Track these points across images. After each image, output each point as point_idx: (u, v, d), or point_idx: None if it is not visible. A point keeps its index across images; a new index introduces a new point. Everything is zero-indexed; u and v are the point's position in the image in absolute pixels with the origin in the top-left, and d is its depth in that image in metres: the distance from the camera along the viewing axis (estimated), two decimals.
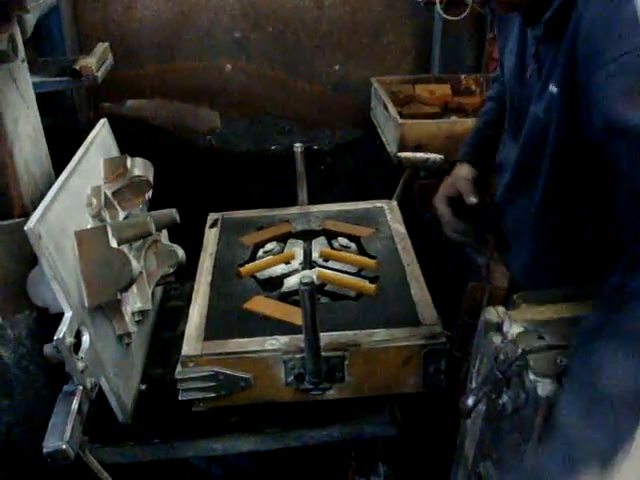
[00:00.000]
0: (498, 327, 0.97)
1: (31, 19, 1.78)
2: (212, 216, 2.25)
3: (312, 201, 2.25)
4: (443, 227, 1.72)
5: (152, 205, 1.88)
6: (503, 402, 0.95)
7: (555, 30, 1.29)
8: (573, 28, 1.20)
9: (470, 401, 0.93)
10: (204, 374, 1.57)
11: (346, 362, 1.57)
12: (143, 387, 1.74)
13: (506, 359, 0.89)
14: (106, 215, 1.69)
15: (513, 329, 0.94)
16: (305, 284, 1.40)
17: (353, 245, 2.05)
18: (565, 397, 0.88)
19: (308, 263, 1.95)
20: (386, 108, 3.04)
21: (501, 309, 0.99)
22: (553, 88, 1.32)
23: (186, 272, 1.94)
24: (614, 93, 1.06)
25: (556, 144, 1.35)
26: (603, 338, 0.90)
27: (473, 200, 1.65)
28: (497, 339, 0.95)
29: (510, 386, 0.93)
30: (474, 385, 1.02)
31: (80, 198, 1.61)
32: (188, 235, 2.02)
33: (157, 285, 1.84)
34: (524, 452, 0.91)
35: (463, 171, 1.76)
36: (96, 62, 2.58)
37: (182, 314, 1.91)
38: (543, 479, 0.83)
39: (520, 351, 0.88)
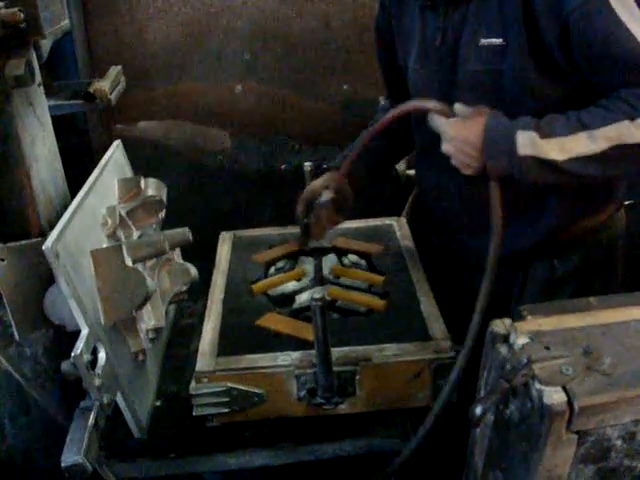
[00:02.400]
0: (505, 339, 1.00)
1: (47, 44, 1.83)
2: (224, 235, 2.28)
3: None
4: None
5: (165, 224, 1.91)
6: (510, 411, 0.97)
7: None
8: None
9: (478, 410, 0.95)
10: (218, 390, 1.59)
11: (357, 377, 1.59)
12: (158, 403, 1.77)
13: (512, 369, 0.92)
14: (121, 234, 1.72)
15: (519, 340, 0.97)
16: (316, 300, 1.43)
17: (363, 262, 2.07)
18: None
19: (319, 280, 1.97)
20: None
21: (507, 321, 1.01)
22: (492, 41, 1.54)
23: (199, 290, 1.97)
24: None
25: (515, 77, 1.54)
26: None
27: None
28: (504, 350, 0.97)
29: (517, 396, 0.95)
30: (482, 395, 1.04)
31: (95, 218, 1.65)
32: (201, 253, 2.05)
33: (170, 303, 1.86)
34: (531, 461, 0.93)
35: (320, 180, 1.96)
36: (109, 85, 2.62)
37: (195, 332, 1.94)
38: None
39: (525, 361, 0.91)
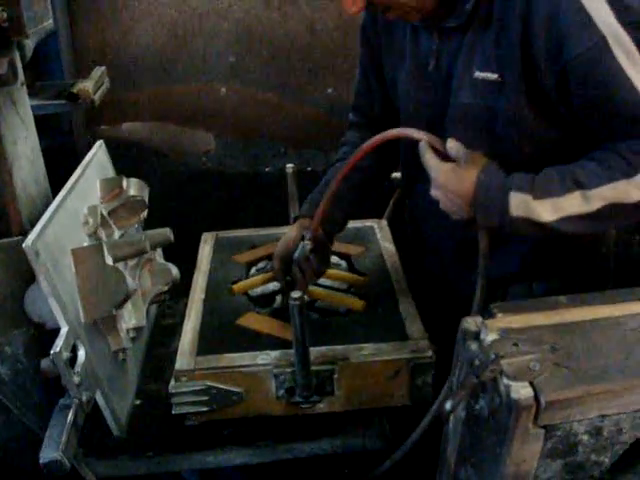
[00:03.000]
0: (476, 336, 1.02)
1: (30, 44, 1.83)
2: (206, 235, 2.29)
3: None
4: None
5: (148, 225, 1.92)
6: (480, 407, 0.99)
7: (472, 20, 1.47)
8: (519, 17, 1.38)
9: (448, 405, 0.97)
10: (197, 388, 1.60)
11: (335, 376, 1.61)
12: (138, 402, 1.77)
13: (481, 364, 0.94)
14: (102, 234, 1.73)
15: (489, 337, 0.99)
16: (295, 299, 1.44)
17: (343, 263, 2.10)
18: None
19: None
20: None
21: (478, 319, 1.04)
22: (487, 75, 1.46)
23: (181, 291, 1.98)
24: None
25: (510, 117, 1.47)
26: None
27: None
28: (474, 346, 1.00)
29: (486, 391, 0.97)
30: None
31: (77, 217, 1.66)
32: (183, 254, 2.06)
33: (152, 303, 1.88)
34: (500, 455, 0.95)
35: (293, 232, 1.84)
36: (93, 86, 2.63)
37: (176, 331, 1.95)
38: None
39: (494, 356, 0.93)
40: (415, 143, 1.48)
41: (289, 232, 1.85)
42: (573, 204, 1.33)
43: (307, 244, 1.74)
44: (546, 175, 1.38)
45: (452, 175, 1.42)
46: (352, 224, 2.27)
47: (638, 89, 1.30)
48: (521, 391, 0.91)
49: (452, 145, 1.43)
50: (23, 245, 1.38)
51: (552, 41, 1.33)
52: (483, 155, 1.43)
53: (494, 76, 1.45)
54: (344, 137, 2.01)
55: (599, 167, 1.34)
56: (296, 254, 1.76)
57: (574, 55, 1.31)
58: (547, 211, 1.34)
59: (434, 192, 1.46)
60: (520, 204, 1.35)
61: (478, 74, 1.48)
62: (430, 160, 1.45)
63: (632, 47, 1.30)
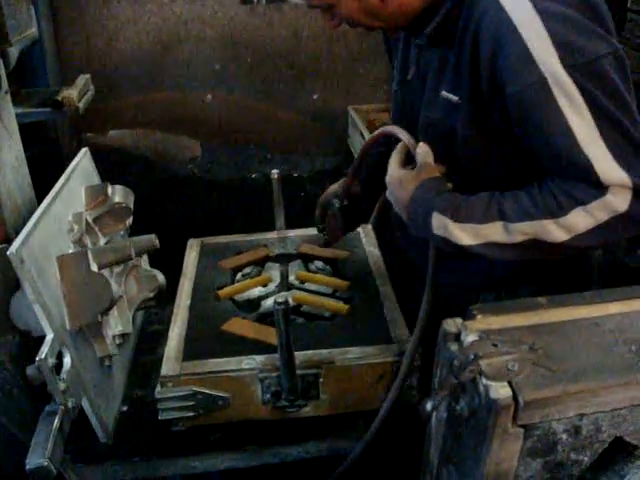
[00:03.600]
0: (456, 337, 1.03)
1: (14, 52, 1.84)
2: (192, 242, 2.30)
3: (293, 226, 2.31)
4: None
5: (134, 231, 1.93)
6: (461, 407, 1.00)
7: (438, 40, 1.48)
8: (470, 43, 1.37)
9: (429, 405, 0.99)
10: (183, 394, 1.61)
11: (321, 379, 1.62)
12: (124, 408, 1.78)
13: (461, 365, 0.95)
14: (87, 241, 1.73)
15: (468, 338, 1.00)
16: (279, 303, 1.45)
17: (328, 268, 2.11)
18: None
19: (285, 285, 2.00)
20: (362, 136, 3.12)
21: (458, 320, 1.05)
22: (450, 96, 1.47)
23: (167, 297, 1.98)
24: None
25: (465, 137, 1.48)
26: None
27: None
28: (454, 347, 1.01)
29: (466, 391, 0.98)
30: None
31: (62, 224, 1.66)
32: (169, 260, 2.06)
33: (138, 309, 1.88)
34: (480, 454, 0.97)
35: (334, 186, 1.98)
36: (78, 93, 2.64)
37: (162, 338, 1.95)
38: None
39: (473, 357, 0.94)
40: None
41: (332, 185, 2.00)
42: (495, 232, 1.34)
43: (337, 202, 1.92)
44: (474, 200, 1.39)
45: (398, 183, 1.48)
46: None
47: (575, 134, 1.25)
48: (500, 391, 0.93)
49: (419, 151, 1.48)
50: (7, 252, 1.38)
51: (496, 73, 1.32)
52: (437, 168, 1.47)
53: (455, 98, 1.46)
54: None
55: (530, 202, 1.33)
56: (329, 207, 1.96)
57: (512, 91, 1.30)
58: (468, 236, 1.35)
59: (387, 194, 1.53)
60: (440, 226, 1.38)
61: (443, 93, 1.49)
62: (391, 163, 1.52)
63: (574, 90, 1.24)
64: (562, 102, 1.25)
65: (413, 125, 1.61)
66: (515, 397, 0.92)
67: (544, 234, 1.30)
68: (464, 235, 1.35)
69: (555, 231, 1.29)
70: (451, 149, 1.51)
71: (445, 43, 1.47)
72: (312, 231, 2.27)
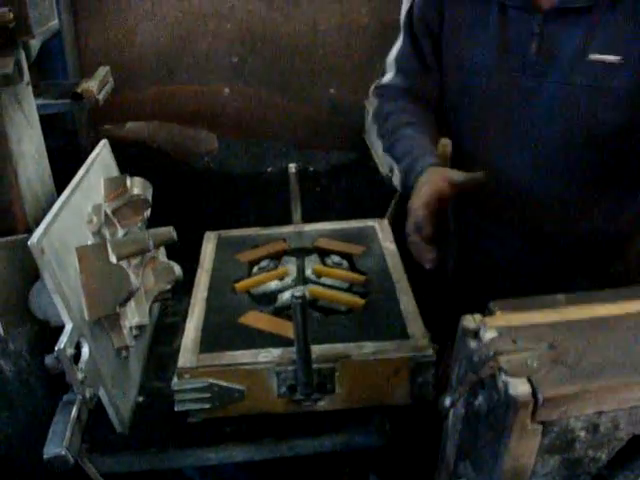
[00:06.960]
0: (475, 333, 1.03)
1: (36, 44, 1.85)
2: (209, 234, 2.31)
3: (308, 220, 2.31)
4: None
5: (151, 223, 1.94)
6: (479, 403, 1.00)
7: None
8: None
9: (447, 401, 0.99)
10: (199, 385, 1.61)
11: (336, 374, 1.62)
12: (141, 399, 1.79)
13: (480, 361, 0.95)
14: (106, 232, 1.75)
15: (488, 334, 1.00)
16: (297, 297, 1.46)
17: (345, 262, 2.11)
18: None
19: (301, 279, 2.00)
20: None
21: (478, 316, 1.05)
22: (605, 57, 1.41)
23: (183, 290, 1.99)
24: None
25: (619, 97, 1.43)
26: None
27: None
28: (473, 344, 1.01)
29: (485, 387, 0.98)
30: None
31: (81, 216, 1.68)
32: (187, 254, 2.07)
33: (155, 301, 1.89)
34: (498, 450, 0.97)
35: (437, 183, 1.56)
36: (97, 85, 2.65)
37: (179, 330, 1.96)
38: None
39: (492, 353, 0.94)
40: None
41: (432, 181, 1.56)
42: None
43: None
44: None
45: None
46: (354, 224, 2.30)
47: None
48: (519, 387, 0.92)
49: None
50: (28, 243, 1.40)
51: None
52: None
53: (615, 58, 1.40)
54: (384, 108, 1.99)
55: None
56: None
57: None
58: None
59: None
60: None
61: (595, 56, 1.43)
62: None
63: None
64: None
65: (525, 101, 1.58)
66: (534, 394, 0.92)
67: None
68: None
69: None
70: (592, 115, 1.46)
71: (609, 2, 1.41)
72: (328, 225, 2.28)
